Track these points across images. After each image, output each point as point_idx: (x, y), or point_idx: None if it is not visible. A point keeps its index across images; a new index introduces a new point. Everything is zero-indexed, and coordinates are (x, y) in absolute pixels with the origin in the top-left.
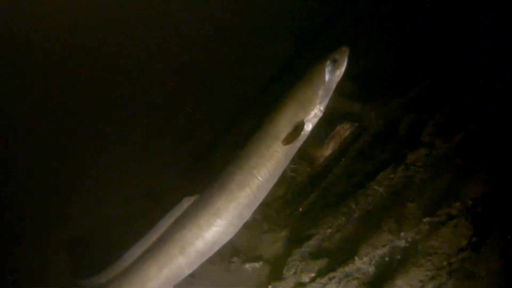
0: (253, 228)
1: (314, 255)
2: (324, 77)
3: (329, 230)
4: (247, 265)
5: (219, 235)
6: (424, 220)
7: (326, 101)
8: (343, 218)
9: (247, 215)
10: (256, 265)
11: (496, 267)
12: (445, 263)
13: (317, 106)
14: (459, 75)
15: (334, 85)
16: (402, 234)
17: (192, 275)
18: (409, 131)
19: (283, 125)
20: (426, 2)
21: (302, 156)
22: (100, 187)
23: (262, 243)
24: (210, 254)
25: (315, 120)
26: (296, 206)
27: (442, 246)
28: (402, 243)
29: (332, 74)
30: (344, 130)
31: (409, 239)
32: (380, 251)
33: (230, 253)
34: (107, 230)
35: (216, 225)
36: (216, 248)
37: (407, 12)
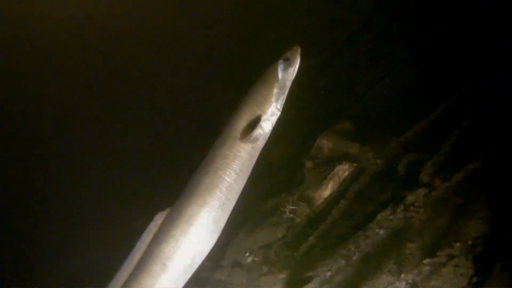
0: (251, 270)
1: None
2: (278, 75)
3: (329, 273)
4: None
5: (198, 243)
6: (425, 261)
7: (282, 99)
8: (343, 261)
9: (223, 219)
10: None
11: None
12: None
13: (273, 104)
14: (456, 114)
15: (288, 83)
16: (402, 276)
17: None
18: (408, 171)
19: (242, 125)
20: (422, 43)
21: (301, 197)
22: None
23: (261, 286)
24: (194, 267)
25: (274, 118)
26: (295, 248)
27: (443, 287)
28: (403, 285)
29: (286, 72)
30: (343, 171)
31: (410, 281)
32: None
33: None
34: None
35: (192, 233)
36: (199, 259)
37: (403, 52)
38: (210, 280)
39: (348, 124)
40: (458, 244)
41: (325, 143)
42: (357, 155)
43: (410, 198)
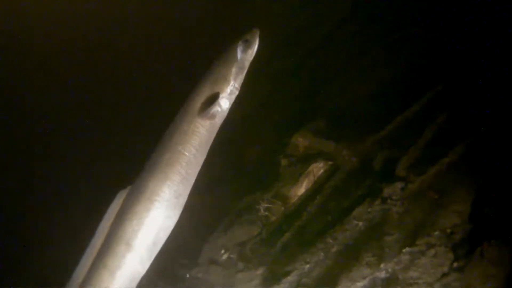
0: (228, 267)
1: None
2: (237, 56)
3: (308, 266)
4: None
5: (161, 219)
6: (404, 250)
7: (240, 79)
8: (321, 253)
9: (184, 193)
10: None
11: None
12: None
13: (232, 82)
14: (430, 112)
15: (247, 64)
16: (382, 265)
17: None
18: (384, 167)
19: (200, 102)
20: (396, 44)
21: (276, 195)
22: None
23: (238, 282)
24: (159, 245)
25: (232, 97)
26: (271, 245)
27: (423, 276)
28: (383, 274)
29: (245, 53)
30: (318, 169)
31: (390, 270)
32: (360, 283)
33: None
34: None
35: (154, 209)
36: (163, 235)
37: (378, 53)
38: (186, 278)
39: (323, 123)
40: (436, 233)
41: (301, 141)
42: (332, 153)
43: (387, 191)
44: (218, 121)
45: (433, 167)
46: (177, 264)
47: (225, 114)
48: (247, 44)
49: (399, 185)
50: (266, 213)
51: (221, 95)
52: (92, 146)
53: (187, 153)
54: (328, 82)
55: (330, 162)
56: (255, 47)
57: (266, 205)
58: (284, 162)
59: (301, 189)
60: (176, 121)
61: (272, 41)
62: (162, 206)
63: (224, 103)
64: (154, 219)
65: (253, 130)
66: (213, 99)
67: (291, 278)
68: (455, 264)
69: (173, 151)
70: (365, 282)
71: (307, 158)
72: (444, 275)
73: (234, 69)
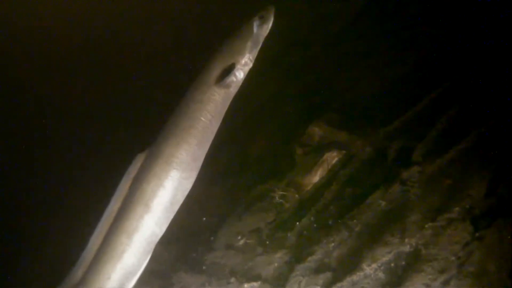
0: (246, 252)
1: (317, 270)
2: (253, 30)
3: (332, 244)
4: (245, 285)
5: (179, 180)
6: (426, 225)
7: (255, 52)
8: (345, 233)
9: (200, 157)
10: (255, 284)
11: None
12: (452, 258)
13: (247, 55)
14: (442, 105)
15: (261, 39)
16: (406, 240)
17: None
18: (398, 155)
19: (216, 72)
20: (407, 42)
21: (290, 183)
22: None
23: (258, 265)
24: (176, 206)
25: (246, 68)
26: (288, 229)
27: (446, 247)
28: (407, 248)
29: (260, 28)
30: (332, 158)
31: (413, 244)
32: (385, 258)
33: (226, 275)
34: None
35: (172, 170)
36: (180, 197)
37: (389, 50)
38: (204, 263)
39: (335, 115)
40: (457, 208)
41: (317, 131)
42: (346, 143)
43: (405, 174)
44: (233, 90)
45: (447, 153)
46: (194, 250)
47: (239, 84)
48: (263, 20)
49: (416, 169)
50: (281, 200)
51: (236, 66)
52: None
53: (203, 119)
54: (339, 78)
55: (344, 152)
56: (270, 23)
57: (281, 192)
58: (299, 151)
59: (316, 177)
60: (192, 90)
61: (283, 37)
62: (180, 168)
63: (239, 74)
64: (172, 181)
65: (264, 122)
66: (229, 69)
67: (315, 257)
68: (476, 234)
69: (190, 117)
70: (390, 256)
71: (322, 148)
72: (466, 245)
73: (249, 43)
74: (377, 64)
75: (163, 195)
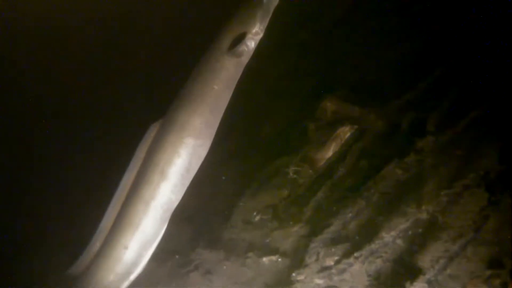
0: (262, 227)
1: (336, 240)
2: (263, 0)
3: (349, 215)
4: (264, 259)
5: (193, 148)
6: (442, 193)
7: (265, 21)
8: (363, 202)
9: (214, 124)
10: (273, 258)
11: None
12: (469, 223)
13: (258, 24)
14: (453, 77)
15: (271, 8)
16: (423, 207)
17: (208, 272)
18: (412, 126)
19: (228, 41)
20: (415, 17)
21: (304, 158)
22: None
23: (275, 239)
24: (192, 173)
25: (257, 38)
26: (304, 204)
27: (462, 214)
28: (424, 216)
29: None
30: (345, 132)
31: (430, 211)
32: (404, 226)
33: (244, 249)
34: None
35: (187, 137)
36: (195, 165)
37: (397, 27)
38: (222, 239)
39: (347, 90)
40: (471, 175)
41: (329, 106)
42: (358, 117)
43: (420, 144)
44: (245, 59)
45: (460, 123)
46: (211, 228)
47: (250, 53)
48: None
49: (430, 138)
50: (295, 176)
51: (247, 35)
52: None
53: (216, 87)
54: (350, 55)
55: (356, 126)
56: None
57: (294, 168)
58: (311, 126)
59: (329, 152)
60: (204, 59)
61: (293, 11)
62: (194, 135)
63: (250, 43)
64: (186, 148)
65: (276, 99)
66: (241, 38)
67: (332, 228)
68: (492, 198)
69: (203, 85)
70: (407, 224)
71: (335, 123)
72: (482, 210)
73: (260, 12)
74: (388, 39)
75: (179, 162)
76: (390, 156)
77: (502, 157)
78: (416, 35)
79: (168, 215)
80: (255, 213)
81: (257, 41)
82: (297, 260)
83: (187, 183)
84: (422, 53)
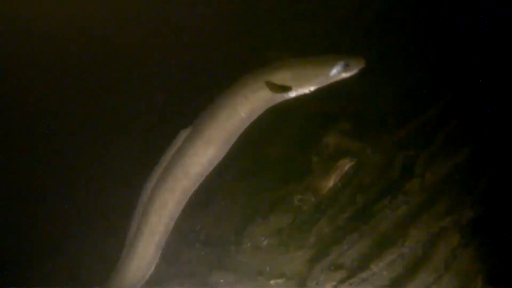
0: (270, 251)
1: (333, 268)
2: (329, 72)
3: (345, 246)
4: (271, 282)
5: (212, 158)
6: (424, 233)
7: (318, 86)
8: (356, 235)
9: (231, 141)
10: (280, 281)
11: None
12: (442, 264)
13: (309, 88)
14: (446, 114)
15: (331, 82)
16: (406, 244)
17: None
18: (403, 165)
19: (272, 80)
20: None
21: (308, 187)
22: None
23: (282, 263)
24: (206, 174)
25: (300, 94)
26: (307, 231)
27: (439, 251)
28: (407, 251)
29: (337, 75)
30: (344, 164)
31: (412, 247)
32: (390, 257)
33: (254, 273)
34: None
35: (210, 149)
36: (210, 168)
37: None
38: (232, 263)
39: (348, 124)
40: (448, 219)
41: (331, 142)
42: (357, 151)
43: (408, 186)
44: (279, 99)
45: (446, 166)
46: (223, 251)
47: (287, 99)
48: (346, 69)
49: (417, 180)
50: (299, 203)
51: (293, 89)
52: None
53: (243, 114)
54: (352, 85)
55: (355, 159)
56: (349, 75)
57: (300, 196)
58: (315, 159)
59: (330, 182)
60: (242, 84)
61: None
62: (216, 149)
63: (292, 93)
64: (209, 156)
65: (281, 129)
66: (285, 89)
67: (330, 258)
68: (462, 241)
69: (231, 109)
70: (394, 256)
71: (336, 156)
72: (453, 249)
73: (318, 80)
74: (390, 70)
75: (201, 166)
76: (382, 193)
77: (474, 204)
78: (420, 67)
79: (181, 206)
80: (263, 238)
81: (299, 95)
82: (300, 283)
83: (200, 181)
84: (416, 91)
